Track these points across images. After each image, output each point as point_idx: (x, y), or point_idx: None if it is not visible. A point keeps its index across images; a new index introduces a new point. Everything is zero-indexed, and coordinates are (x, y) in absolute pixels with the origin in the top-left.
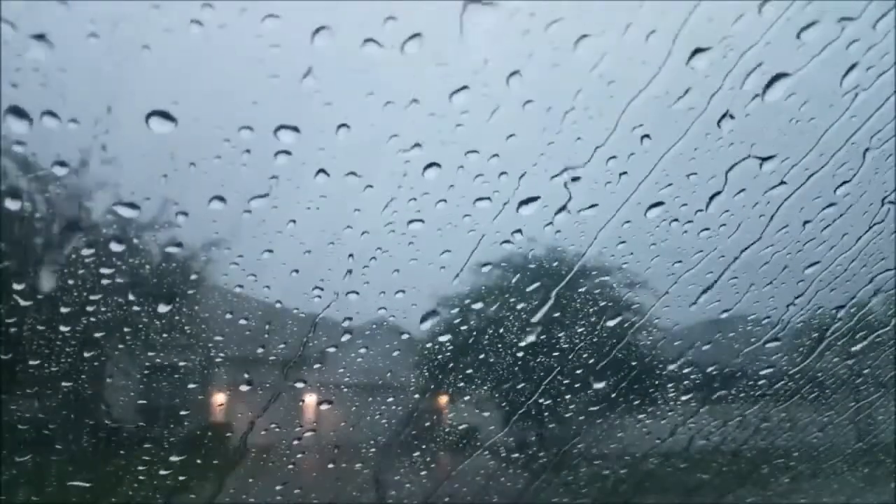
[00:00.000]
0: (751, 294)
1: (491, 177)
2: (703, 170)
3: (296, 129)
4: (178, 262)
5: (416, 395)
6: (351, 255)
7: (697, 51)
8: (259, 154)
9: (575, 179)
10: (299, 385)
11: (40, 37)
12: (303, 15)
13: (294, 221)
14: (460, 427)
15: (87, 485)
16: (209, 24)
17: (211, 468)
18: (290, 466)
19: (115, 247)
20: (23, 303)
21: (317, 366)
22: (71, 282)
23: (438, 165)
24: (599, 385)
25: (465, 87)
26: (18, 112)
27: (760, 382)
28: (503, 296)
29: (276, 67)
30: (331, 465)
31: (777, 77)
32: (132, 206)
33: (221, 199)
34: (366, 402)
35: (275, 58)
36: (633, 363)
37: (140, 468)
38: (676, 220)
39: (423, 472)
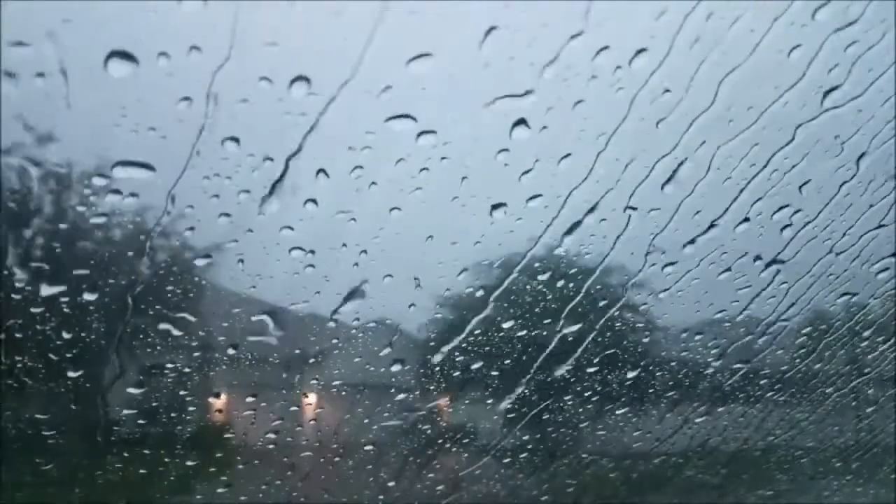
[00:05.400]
0: (750, 294)
1: (492, 175)
2: (701, 170)
3: (296, 125)
4: (179, 263)
5: (417, 395)
6: (351, 254)
7: (695, 53)
8: (259, 154)
9: (582, 183)
10: (300, 385)
11: (45, 37)
12: (296, 12)
13: (293, 222)
14: (460, 427)
15: (88, 485)
16: (206, 27)
17: (211, 468)
18: (291, 466)
19: (116, 247)
20: (23, 303)
21: (317, 366)
22: (71, 281)
23: (428, 170)
24: (599, 385)
25: (466, 83)
26: (20, 112)
27: (760, 382)
28: (503, 296)
29: (277, 66)
30: (331, 466)
31: (777, 80)
32: (133, 207)
33: (223, 198)
34: (367, 402)
35: (273, 56)
36: (633, 363)
37: (140, 468)
38: (676, 220)
39: (423, 473)
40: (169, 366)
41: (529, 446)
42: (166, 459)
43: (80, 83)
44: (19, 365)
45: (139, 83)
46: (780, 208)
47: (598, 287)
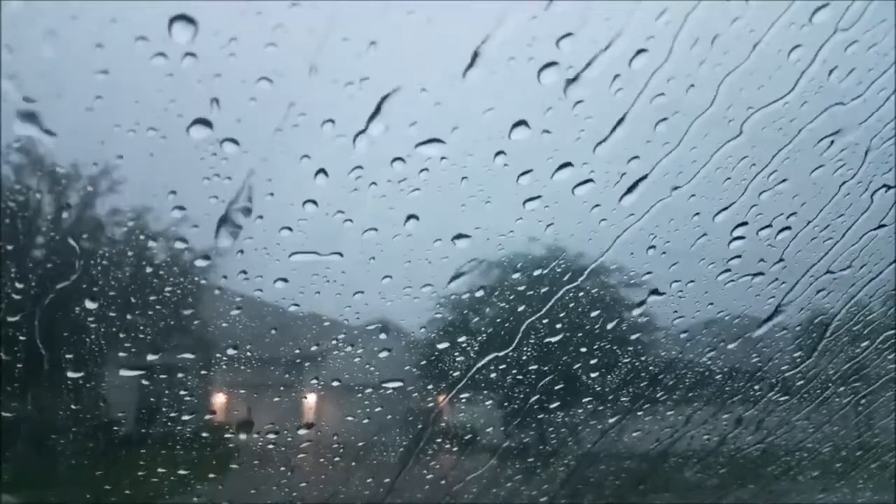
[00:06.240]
0: (751, 294)
1: (492, 175)
2: (700, 171)
3: (295, 126)
4: (179, 263)
5: (417, 395)
6: (350, 255)
7: (695, 53)
8: (259, 154)
9: (581, 183)
10: (299, 385)
11: (45, 37)
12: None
13: (293, 222)
14: (460, 427)
15: (87, 485)
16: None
17: (211, 468)
18: (291, 466)
19: (116, 247)
20: (23, 303)
21: (317, 366)
22: (71, 281)
23: (428, 170)
24: (599, 385)
25: (465, 84)
26: (22, 113)
27: (760, 382)
28: (503, 296)
29: (277, 67)
30: (331, 466)
31: (777, 80)
32: (134, 207)
33: (223, 199)
34: (366, 402)
35: (273, 56)
36: (633, 363)
37: (140, 468)
38: (675, 220)
39: (423, 472)
40: (169, 366)
41: (529, 446)
42: (166, 459)
43: (80, 83)
44: (19, 365)
45: (139, 83)
46: (780, 208)
47: (598, 287)
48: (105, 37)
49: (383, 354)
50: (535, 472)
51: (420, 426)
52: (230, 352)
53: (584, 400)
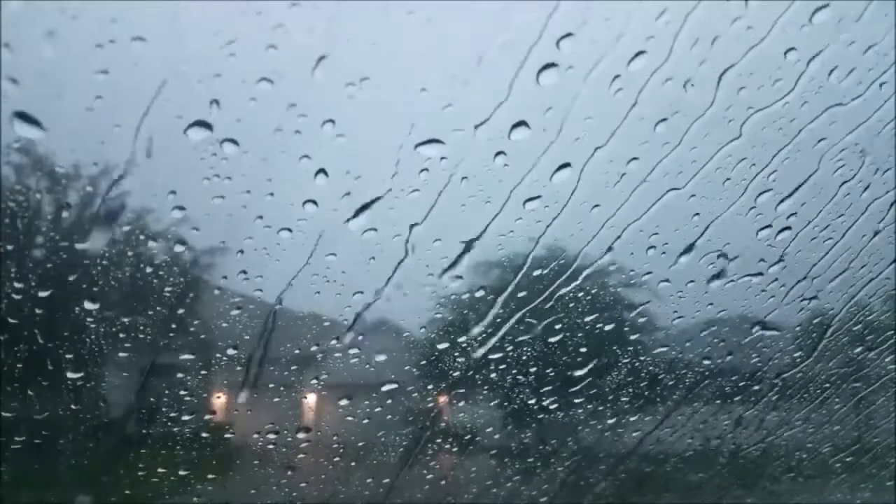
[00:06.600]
0: (750, 294)
1: (492, 176)
2: (700, 171)
3: (295, 126)
4: (179, 263)
5: (417, 395)
6: (350, 255)
7: (695, 54)
8: (259, 154)
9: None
10: (300, 385)
11: (45, 37)
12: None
13: (292, 223)
14: (460, 427)
15: (87, 485)
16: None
17: (211, 468)
18: (290, 466)
19: (116, 247)
20: (23, 303)
21: (317, 366)
22: (71, 282)
23: (428, 171)
24: (599, 385)
25: (465, 84)
26: (22, 114)
27: (760, 382)
28: (502, 296)
29: (277, 67)
30: (331, 466)
31: (777, 80)
32: (134, 207)
33: (223, 199)
34: (366, 402)
35: (273, 58)
36: (633, 363)
37: (140, 468)
38: (676, 221)
39: (423, 472)
40: (169, 366)
41: (529, 446)
42: (166, 459)
43: (80, 83)
44: (19, 365)
45: (139, 84)
46: (780, 209)
47: (598, 287)
48: (105, 37)
49: (383, 355)
50: (535, 472)
51: (420, 426)
52: (230, 352)
53: (584, 400)
